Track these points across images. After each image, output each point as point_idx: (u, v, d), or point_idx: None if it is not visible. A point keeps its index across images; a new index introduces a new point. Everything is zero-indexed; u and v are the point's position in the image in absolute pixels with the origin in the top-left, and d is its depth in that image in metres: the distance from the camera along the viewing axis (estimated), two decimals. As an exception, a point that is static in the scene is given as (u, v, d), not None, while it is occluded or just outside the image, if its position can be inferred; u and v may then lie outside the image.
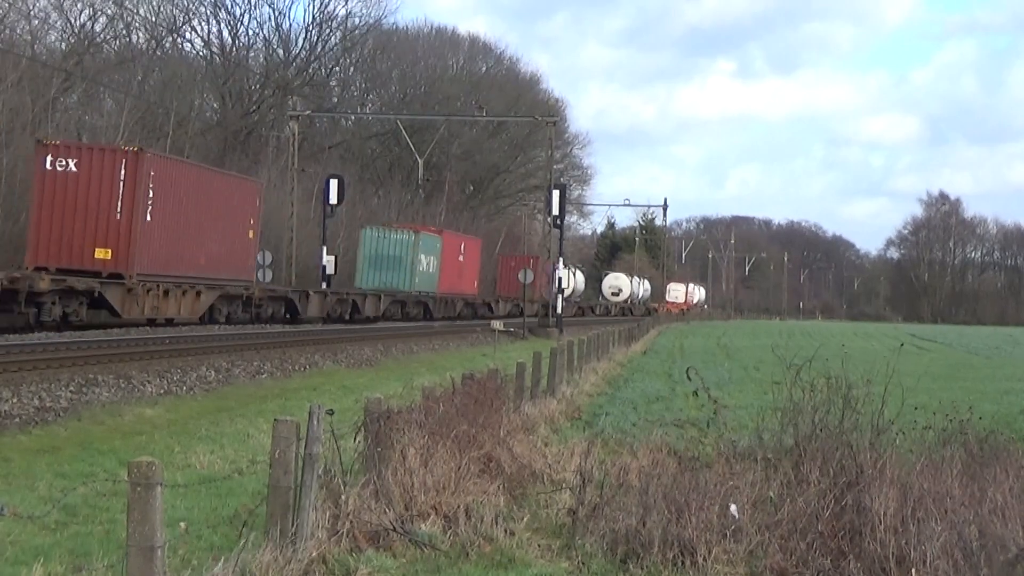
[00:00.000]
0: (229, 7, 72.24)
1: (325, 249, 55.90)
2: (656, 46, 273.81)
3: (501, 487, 10.08)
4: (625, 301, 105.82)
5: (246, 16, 74.50)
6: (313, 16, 76.48)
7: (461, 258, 64.31)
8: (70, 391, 17.66)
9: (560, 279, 58.15)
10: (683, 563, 8.25)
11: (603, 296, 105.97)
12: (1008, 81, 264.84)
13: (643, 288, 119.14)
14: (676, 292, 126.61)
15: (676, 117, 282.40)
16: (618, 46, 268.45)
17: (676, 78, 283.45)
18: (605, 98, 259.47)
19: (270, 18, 76.02)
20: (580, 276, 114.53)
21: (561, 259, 59.40)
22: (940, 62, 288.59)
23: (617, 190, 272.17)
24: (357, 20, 77.47)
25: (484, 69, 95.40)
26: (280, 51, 75.53)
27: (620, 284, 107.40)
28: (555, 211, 56.70)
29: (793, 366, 10.05)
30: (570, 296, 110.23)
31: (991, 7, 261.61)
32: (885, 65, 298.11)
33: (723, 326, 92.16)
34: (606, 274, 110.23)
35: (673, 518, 8.51)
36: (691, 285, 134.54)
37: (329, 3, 75.42)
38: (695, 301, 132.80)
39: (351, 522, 8.31)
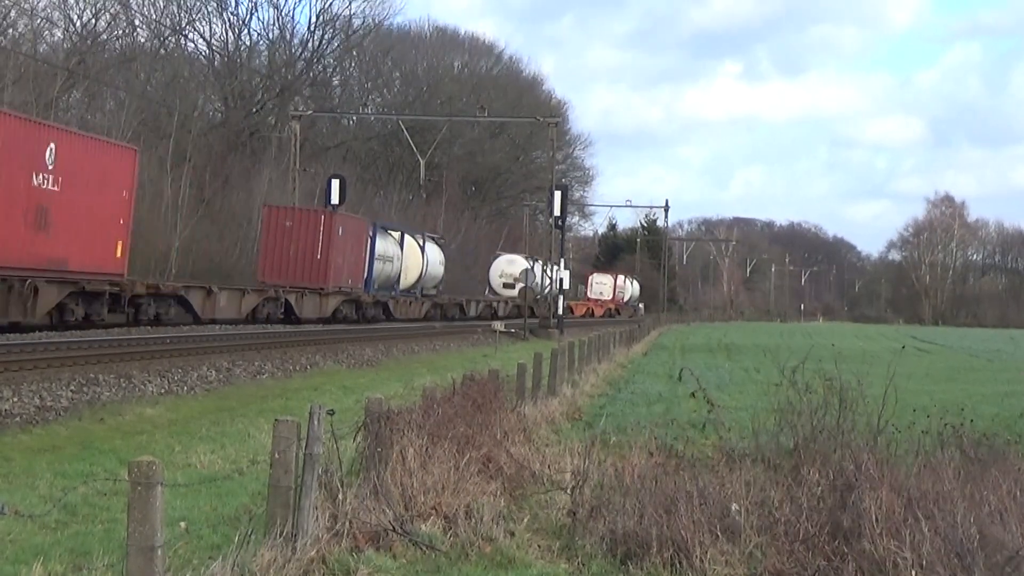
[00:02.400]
0: (233, 7, 72.36)
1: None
2: (663, 48, 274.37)
3: (501, 488, 10.10)
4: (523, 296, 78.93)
5: (249, 16, 74.61)
6: (316, 17, 76.63)
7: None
8: (71, 390, 17.68)
9: (561, 279, 58.15)
10: (681, 564, 8.27)
11: (491, 288, 79.51)
12: (1012, 83, 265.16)
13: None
14: (600, 286, 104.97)
15: (681, 118, 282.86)
16: (625, 48, 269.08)
17: (682, 80, 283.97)
18: (611, 99, 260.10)
19: (273, 19, 75.72)
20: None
21: (563, 260, 59.41)
22: (945, 64, 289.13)
23: (621, 191, 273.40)
24: (360, 21, 77.57)
25: (485, 70, 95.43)
26: (283, 51, 75.57)
27: (516, 271, 76.35)
28: (556, 212, 56.71)
29: (789, 368, 10.06)
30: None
31: (996, 9, 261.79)
32: (890, 67, 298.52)
33: (724, 328, 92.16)
34: (496, 256, 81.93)
35: (672, 519, 8.52)
36: (622, 278, 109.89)
37: (332, 4, 75.51)
38: (625, 299, 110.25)
39: (351, 522, 8.33)
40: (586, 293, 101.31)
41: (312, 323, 43.40)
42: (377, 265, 51.92)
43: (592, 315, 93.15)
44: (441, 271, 63.72)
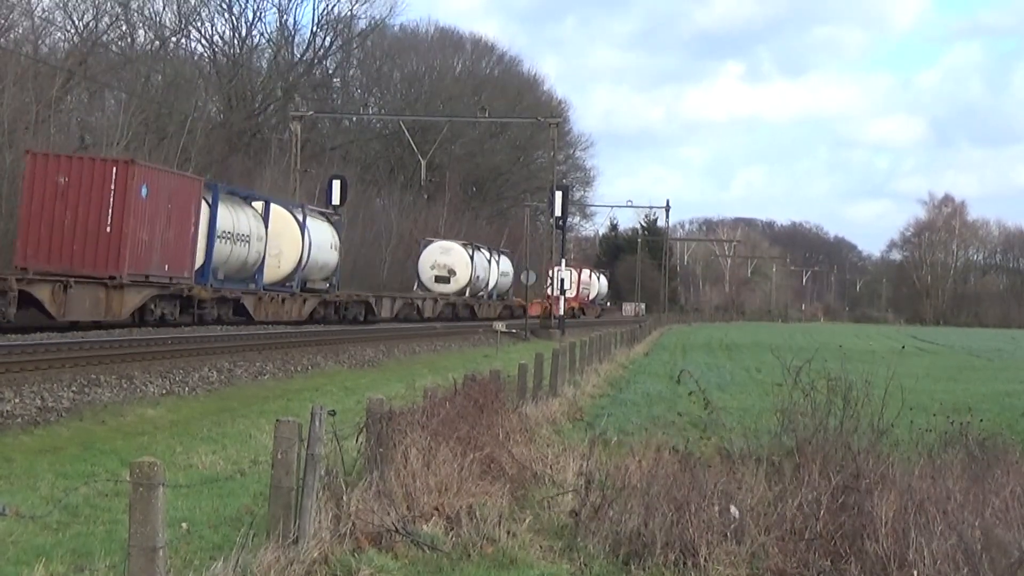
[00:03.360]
0: (234, 8, 72.38)
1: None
2: (665, 49, 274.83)
3: (503, 488, 10.08)
4: (462, 292, 64.40)
5: (251, 17, 74.62)
6: (318, 17, 76.67)
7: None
8: (72, 391, 17.66)
9: (563, 280, 58.12)
10: (685, 564, 8.25)
11: (420, 283, 64.04)
12: (1013, 83, 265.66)
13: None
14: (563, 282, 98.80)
15: (683, 119, 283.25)
16: (627, 49, 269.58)
17: (685, 80, 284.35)
18: (614, 100, 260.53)
19: (275, 19, 75.83)
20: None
21: (564, 260, 59.39)
22: (946, 65, 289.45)
23: (622, 192, 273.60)
24: (361, 23, 77.62)
25: (486, 70, 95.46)
26: (284, 52, 75.62)
27: (453, 262, 63.86)
28: (557, 212, 56.70)
29: (793, 368, 10.05)
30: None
31: (997, 9, 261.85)
32: (891, 68, 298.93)
33: (725, 328, 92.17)
34: (426, 243, 65.63)
35: (674, 519, 8.51)
36: (587, 272, 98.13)
37: (334, 5, 75.55)
38: (591, 297, 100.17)
39: (353, 523, 8.31)
40: (545, 289, 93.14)
41: (97, 329, 30.19)
42: (220, 246, 37.26)
43: (550, 316, 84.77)
44: (335, 258, 48.43)
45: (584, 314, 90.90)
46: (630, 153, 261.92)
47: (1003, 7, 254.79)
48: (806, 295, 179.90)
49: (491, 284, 70.34)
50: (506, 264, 75.53)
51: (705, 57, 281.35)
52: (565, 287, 59.56)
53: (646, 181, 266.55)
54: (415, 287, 63.33)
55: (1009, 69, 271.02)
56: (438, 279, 63.09)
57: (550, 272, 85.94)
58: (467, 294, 64.78)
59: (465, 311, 64.91)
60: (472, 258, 65.14)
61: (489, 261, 69.83)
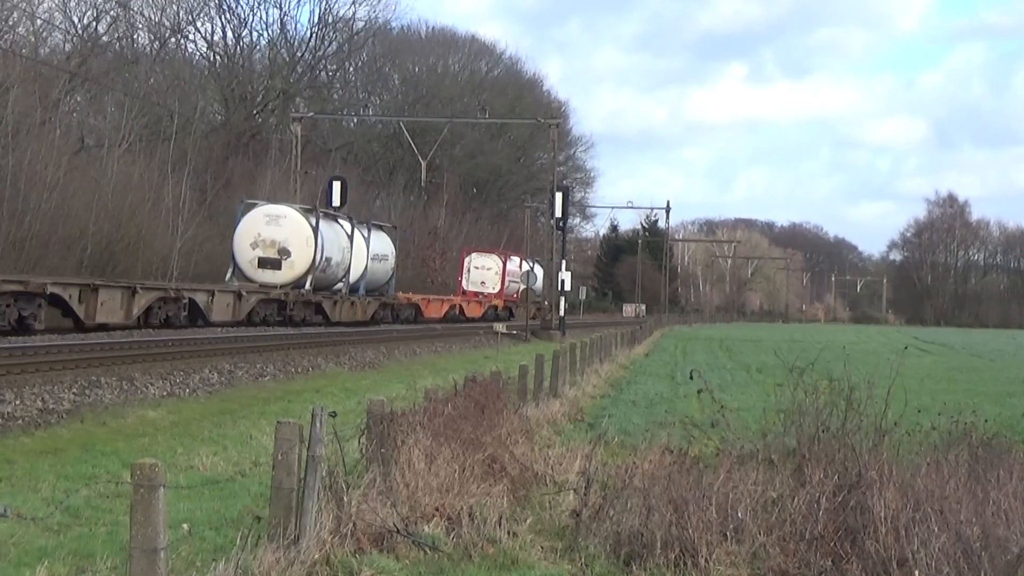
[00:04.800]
0: (234, 9, 72.41)
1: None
2: (669, 51, 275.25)
3: (504, 489, 10.08)
4: (300, 283, 43.74)
5: (250, 18, 74.66)
6: (318, 18, 76.69)
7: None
8: (73, 393, 17.66)
9: (562, 281, 58.10)
10: (686, 564, 8.25)
11: (236, 268, 44.03)
12: (1015, 84, 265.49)
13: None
14: (482, 272, 71.32)
15: (686, 120, 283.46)
16: (631, 51, 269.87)
17: (688, 82, 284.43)
18: (617, 102, 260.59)
19: (275, 20, 75.81)
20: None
21: (565, 262, 59.36)
22: (948, 66, 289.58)
23: (624, 193, 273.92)
24: (361, 23, 77.65)
25: (485, 70, 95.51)
26: (284, 53, 75.63)
27: (286, 236, 43.83)
28: (558, 213, 56.69)
29: (796, 368, 10.05)
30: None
31: (999, 9, 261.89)
32: (894, 69, 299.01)
33: (725, 328, 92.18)
34: (247, 206, 45.31)
35: (675, 519, 8.51)
36: (516, 261, 74.76)
37: (333, 6, 75.59)
38: (521, 290, 72.62)
39: (354, 524, 8.31)
40: (459, 282, 70.76)
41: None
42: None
43: (462, 315, 63.63)
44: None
45: (511, 315, 70.77)
46: (633, 154, 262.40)
47: (1006, 7, 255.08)
48: (807, 296, 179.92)
49: (355, 272, 49.45)
50: (382, 243, 53.90)
51: (708, 59, 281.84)
52: (567, 287, 58.67)
53: (648, 182, 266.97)
54: (228, 275, 43.64)
55: (1011, 70, 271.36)
56: (262, 263, 43.11)
57: (464, 260, 71.16)
58: (308, 285, 43.58)
59: (304, 312, 43.78)
60: (317, 231, 44.04)
61: (351, 237, 48.62)
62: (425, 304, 57.21)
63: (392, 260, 55.51)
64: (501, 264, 71.72)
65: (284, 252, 43.65)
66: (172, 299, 35.22)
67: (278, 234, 43.75)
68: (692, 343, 54.77)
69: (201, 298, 36.96)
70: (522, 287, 75.23)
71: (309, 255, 43.87)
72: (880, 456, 9.14)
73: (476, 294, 69.35)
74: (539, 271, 79.79)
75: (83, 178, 44.69)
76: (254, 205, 45.20)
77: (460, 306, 64.08)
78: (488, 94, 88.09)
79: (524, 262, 75.73)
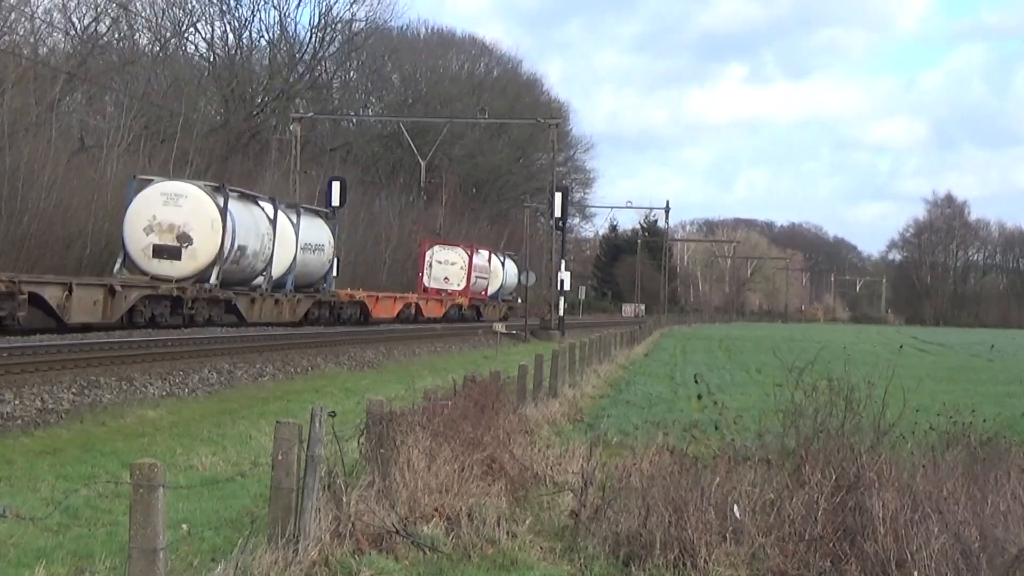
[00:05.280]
0: (234, 10, 72.40)
1: (327, 251, 55.69)
2: (670, 51, 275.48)
3: (503, 489, 10.08)
4: (204, 275, 36.57)
5: (250, 19, 74.65)
6: (318, 19, 76.68)
7: None
8: (72, 393, 17.67)
9: (562, 281, 58.11)
10: (684, 565, 8.25)
11: (126, 258, 36.75)
12: (1015, 85, 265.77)
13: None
14: (446, 268, 64.17)
15: (686, 121, 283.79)
16: (632, 52, 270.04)
17: (688, 83, 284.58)
18: (618, 102, 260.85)
19: (274, 21, 75.80)
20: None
21: (564, 262, 59.36)
22: (949, 66, 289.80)
23: (625, 193, 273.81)
24: (361, 24, 77.65)
25: (485, 71, 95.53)
26: (284, 54, 75.62)
27: (185, 220, 36.29)
28: (557, 213, 56.72)
29: (795, 368, 10.05)
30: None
31: (1000, 10, 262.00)
32: (894, 69, 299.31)
33: (725, 329, 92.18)
34: (140, 183, 37.58)
35: (674, 520, 8.51)
36: (484, 255, 69.19)
37: (333, 6, 75.58)
38: (493, 290, 71.02)
39: (353, 524, 8.31)
40: (420, 278, 64.01)
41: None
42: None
43: (419, 315, 57.04)
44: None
45: (480, 316, 65.29)
46: (633, 155, 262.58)
47: (1006, 8, 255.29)
48: (806, 296, 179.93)
49: (280, 264, 42.58)
50: (316, 231, 47.23)
51: (709, 60, 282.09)
52: (566, 288, 58.42)
53: (648, 182, 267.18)
54: (116, 267, 36.61)
55: (1012, 70, 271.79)
56: (158, 251, 36.04)
57: (425, 253, 63.48)
58: (214, 278, 36.49)
59: (210, 311, 36.70)
60: (227, 214, 36.84)
61: (274, 222, 41.75)
62: (373, 302, 51.01)
63: (330, 251, 48.57)
64: (467, 258, 64.49)
65: (184, 239, 36.19)
66: (5, 293, 26.61)
67: (177, 216, 36.21)
68: (691, 343, 54.77)
69: (52, 293, 28.56)
70: (500, 284, 71.45)
71: (215, 242, 36.56)
72: (879, 457, 9.14)
73: (438, 291, 62.75)
74: (512, 266, 75.38)
75: (82, 178, 44.67)
76: (148, 182, 37.39)
77: (416, 305, 57.31)
78: (488, 94, 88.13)
79: (494, 256, 71.44)
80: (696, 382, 17.88)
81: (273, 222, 41.86)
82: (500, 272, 72.34)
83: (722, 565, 8.22)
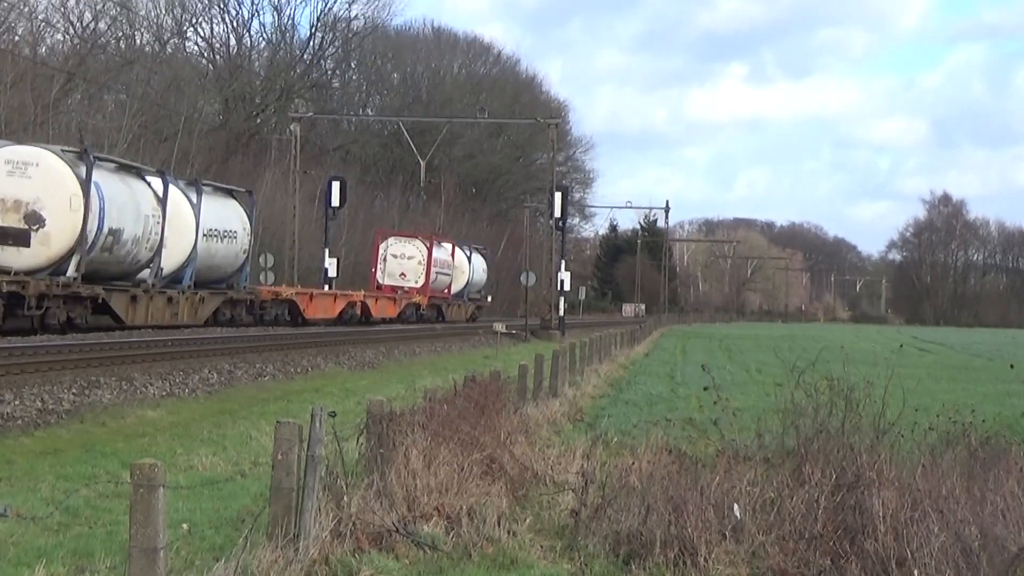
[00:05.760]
0: (233, 10, 72.43)
1: (327, 251, 55.97)
2: (670, 51, 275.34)
3: (503, 488, 10.09)
4: (59, 268, 28.96)
5: (250, 19, 74.71)
6: (317, 19, 76.70)
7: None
8: (72, 393, 17.67)
9: (562, 281, 58.12)
10: (685, 564, 8.26)
11: None
12: (1015, 84, 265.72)
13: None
14: (401, 263, 57.98)
15: (687, 120, 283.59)
16: (632, 51, 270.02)
17: (689, 82, 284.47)
18: (618, 102, 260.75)
19: (274, 21, 75.89)
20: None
21: (564, 262, 59.38)
22: (949, 66, 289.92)
23: (625, 193, 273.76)
24: (360, 24, 77.69)
25: (484, 70, 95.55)
26: (284, 54, 75.65)
27: (34, 195, 28.53)
28: (557, 213, 56.74)
29: (796, 368, 10.05)
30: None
31: (1000, 9, 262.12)
32: (894, 69, 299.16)
33: (725, 328, 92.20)
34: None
35: (674, 519, 8.52)
36: (446, 248, 62.92)
37: (333, 6, 75.60)
38: (458, 288, 64.54)
39: (354, 523, 8.32)
40: (373, 273, 58.52)
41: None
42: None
43: (366, 316, 49.85)
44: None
45: (442, 317, 60.22)
46: (633, 154, 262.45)
47: (1006, 7, 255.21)
48: (806, 295, 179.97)
49: (175, 254, 35.78)
50: (226, 213, 40.42)
51: (709, 59, 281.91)
52: (566, 287, 58.02)
53: (649, 182, 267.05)
54: None
55: (1011, 69, 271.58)
56: (12, 239, 28.67)
57: (379, 246, 57.31)
58: (73, 270, 29.51)
59: (70, 311, 29.88)
60: (90, 187, 29.75)
61: (163, 201, 34.47)
62: (306, 301, 43.86)
63: (245, 239, 40.96)
64: (426, 251, 57.98)
65: (34, 219, 28.83)
66: None
67: (25, 191, 28.86)
68: (692, 342, 54.77)
69: None
70: (466, 280, 64.93)
71: (75, 224, 29.25)
72: (879, 456, 9.14)
73: (394, 289, 56.17)
74: (480, 262, 68.43)
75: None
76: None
77: (363, 304, 49.30)
78: (487, 94, 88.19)
79: (459, 250, 65.05)
80: (704, 369, 17.85)
81: (162, 201, 34.28)
82: (466, 267, 66.04)
83: (722, 563, 8.22)
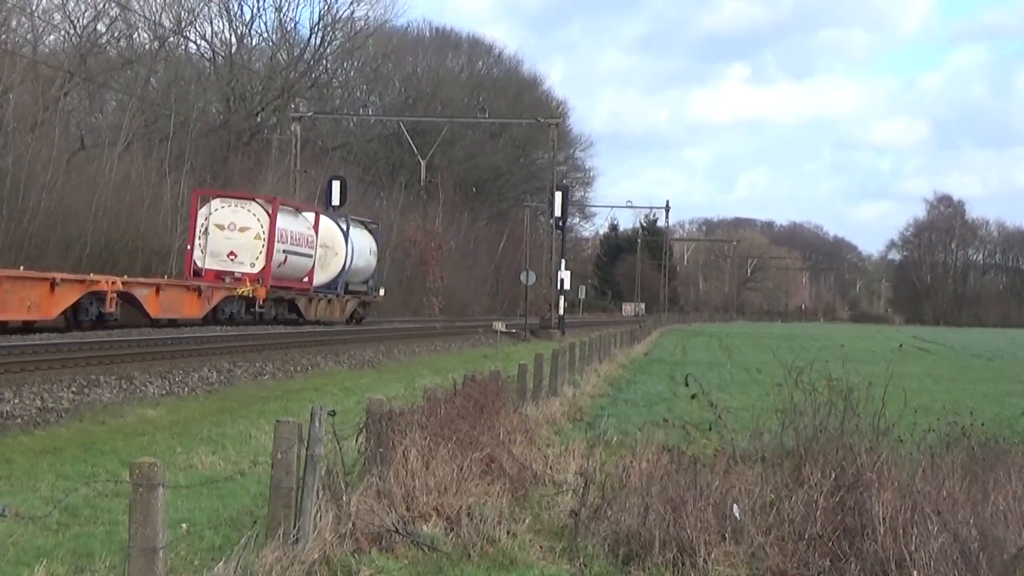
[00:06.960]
0: (233, 9, 72.37)
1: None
2: (672, 52, 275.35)
3: (503, 488, 10.08)
4: None
5: (251, 18, 74.61)
6: (318, 18, 76.65)
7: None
8: (72, 392, 17.67)
9: (562, 280, 58.11)
10: (684, 564, 8.25)
11: None
12: (1016, 85, 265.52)
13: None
14: (231, 236, 39.66)
15: (688, 121, 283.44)
16: (634, 52, 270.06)
17: (690, 83, 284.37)
18: (620, 103, 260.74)
19: (275, 20, 75.80)
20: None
21: (564, 261, 59.37)
22: (950, 67, 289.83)
23: (626, 193, 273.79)
24: (361, 23, 77.61)
25: (485, 70, 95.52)
26: (284, 53, 75.60)
27: None
28: (557, 213, 56.73)
29: (795, 368, 10.04)
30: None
31: (1001, 11, 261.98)
32: (896, 70, 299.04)
33: (725, 328, 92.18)
34: None
35: (673, 519, 8.51)
36: (305, 218, 45.17)
37: (334, 5, 75.54)
38: (330, 278, 46.43)
39: (353, 523, 8.32)
40: (188, 253, 40.29)
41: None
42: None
43: (105, 316, 30.12)
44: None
45: (301, 315, 43.49)
46: (634, 154, 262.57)
47: (1007, 8, 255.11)
48: (806, 295, 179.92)
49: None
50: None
51: (711, 60, 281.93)
52: (566, 287, 58.64)
53: (649, 182, 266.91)
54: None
55: (1012, 71, 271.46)
56: None
57: (199, 211, 38.95)
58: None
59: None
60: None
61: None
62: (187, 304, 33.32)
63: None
64: (267, 219, 40.00)
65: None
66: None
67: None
68: (692, 341, 54.78)
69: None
70: (341, 265, 46.50)
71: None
72: (878, 456, 9.14)
73: (220, 276, 39.23)
74: (365, 239, 50.00)
75: (82, 177, 44.68)
76: None
77: (125, 295, 30.94)
78: (488, 94, 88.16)
79: (327, 219, 46.70)
80: (687, 384, 17.89)
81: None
82: (341, 247, 46.86)
83: (721, 564, 8.21)
